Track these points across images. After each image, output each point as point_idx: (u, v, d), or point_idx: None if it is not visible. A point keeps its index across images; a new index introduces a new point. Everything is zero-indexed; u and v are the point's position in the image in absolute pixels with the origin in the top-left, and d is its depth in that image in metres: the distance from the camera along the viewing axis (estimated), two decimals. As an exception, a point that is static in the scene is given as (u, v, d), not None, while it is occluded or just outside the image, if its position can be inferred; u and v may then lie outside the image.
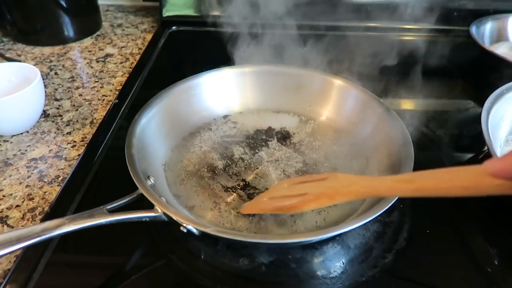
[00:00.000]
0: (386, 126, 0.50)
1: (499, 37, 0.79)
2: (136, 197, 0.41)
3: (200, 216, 0.45)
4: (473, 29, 0.75)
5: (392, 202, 0.39)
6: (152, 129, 0.49)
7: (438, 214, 0.47)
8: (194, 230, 0.38)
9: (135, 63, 0.76)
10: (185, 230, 0.39)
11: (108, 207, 0.38)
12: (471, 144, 0.59)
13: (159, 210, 0.38)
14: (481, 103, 0.68)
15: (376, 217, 0.38)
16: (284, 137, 0.56)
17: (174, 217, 0.38)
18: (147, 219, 0.39)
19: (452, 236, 0.45)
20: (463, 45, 0.78)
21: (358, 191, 0.35)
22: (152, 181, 0.44)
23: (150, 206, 0.39)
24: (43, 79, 0.70)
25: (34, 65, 0.75)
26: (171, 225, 0.39)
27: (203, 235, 0.38)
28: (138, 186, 0.39)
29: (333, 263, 0.41)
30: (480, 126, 0.50)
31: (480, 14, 0.79)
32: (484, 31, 0.77)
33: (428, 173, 0.29)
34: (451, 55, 0.79)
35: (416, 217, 0.46)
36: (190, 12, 0.89)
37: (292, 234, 0.42)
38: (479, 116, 0.51)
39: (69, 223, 0.35)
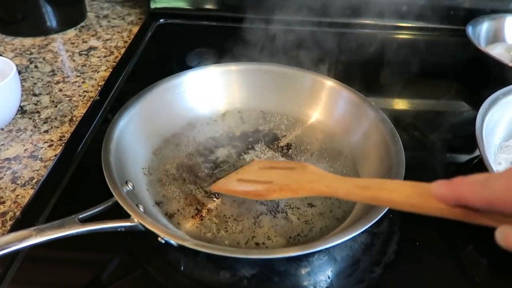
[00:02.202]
0: (377, 131, 0.48)
1: (495, 37, 0.77)
2: (113, 205, 0.38)
3: (180, 224, 0.43)
4: (469, 29, 0.73)
5: (381, 214, 0.37)
6: (132, 131, 0.47)
7: (428, 225, 0.45)
8: (173, 242, 0.36)
9: (119, 57, 0.73)
10: (163, 241, 0.37)
11: (81, 216, 0.36)
12: (464, 149, 0.58)
13: (136, 220, 0.36)
14: (475, 106, 0.66)
15: (365, 230, 0.36)
16: (271, 139, 0.54)
17: (151, 229, 0.35)
18: (123, 229, 0.37)
19: (442, 248, 0.43)
20: (459, 45, 0.76)
21: (319, 189, 0.36)
22: (130, 187, 0.42)
23: (127, 214, 0.37)
24: (22, 72, 0.68)
25: (14, 57, 0.72)
26: (149, 233, 0.37)
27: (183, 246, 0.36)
28: (114, 194, 0.37)
29: (318, 277, 0.39)
30: (474, 130, 0.48)
31: (477, 14, 0.77)
32: (481, 31, 0.75)
33: (386, 183, 0.29)
34: (446, 55, 0.78)
35: (406, 228, 0.44)
36: (179, 4, 0.86)
37: (275, 249, 0.40)
38: (473, 120, 0.49)
39: (36, 234, 0.33)
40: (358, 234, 0.36)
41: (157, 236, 0.36)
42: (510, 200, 0.20)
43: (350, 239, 0.36)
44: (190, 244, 0.34)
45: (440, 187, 0.23)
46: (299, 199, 0.46)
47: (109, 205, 0.38)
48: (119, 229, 0.36)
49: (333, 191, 0.34)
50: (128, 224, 0.36)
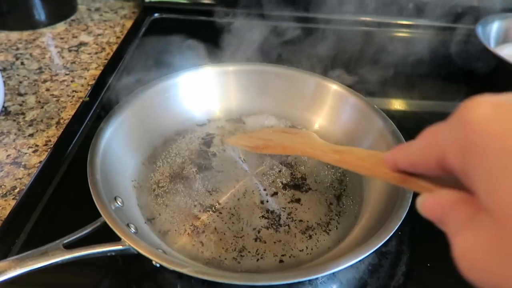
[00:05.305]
0: (385, 143, 0.45)
1: (506, 38, 0.74)
2: (101, 225, 0.35)
3: (175, 243, 0.39)
4: (479, 29, 0.69)
5: (392, 232, 0.34)
6: (120, 139, 0.43)
7: (439, 243, 0.42)
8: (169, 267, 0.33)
9: (111, 54, 0.69)
10: (158, 265, 0.34)
11: (66, 241, 0.33)
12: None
13: (127, 243, 0.33)
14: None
15: (375, 250, 0.33)
16: (271, 146, 0.51)
17: (144, 254, 0.32)
18: (113, 253, 0.33)
19: (455, 271, 0.40)
20: (468, 45, 0.73)
21: (304, 150, 0.40)
22: (120, 203, 0.38)
23: (117, 237, 0.33)
24: (7, 70, 0.64)
25: (-1, 52, 0.68)
26: (142, 255, 0.34)
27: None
28: (103, 216, 0.34)
29: (323, 302, 0.37)
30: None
31: (487, 12, 0.74)
32: (491, 31, 0.72)
33: (354, 149, 0.33)
34: (455, 56, 0.74)
35: (415, 247, 0.41)
36: (175, -3, 0.82)
37: (280, 274, 0.37)
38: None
39: (16, 266, 0.30)
40: (368, 255, 0.33)
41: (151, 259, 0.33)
42: (423, 159, 0.21)
43: (358, 261, 0.34)
44: (189, 271, 0.31)
45: (389, 153, 0.25)
46: (302, 210, 0.43)
47: (97, 226, 0.35)
48: (108, 254, 0.33)
49: (313, 152, 0.38)
50: (119, 247, 0.33)
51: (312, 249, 0.40)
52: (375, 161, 0.27)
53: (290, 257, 0.39)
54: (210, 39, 0.68)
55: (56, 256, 0.31)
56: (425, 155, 0.21)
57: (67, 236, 0.33)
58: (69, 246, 0.32)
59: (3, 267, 0.29)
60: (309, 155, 0.40)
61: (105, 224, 0.34)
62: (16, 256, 0.30)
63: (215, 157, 0.49)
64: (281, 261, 0.39)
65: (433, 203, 0.20)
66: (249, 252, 0.39)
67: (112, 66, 0.65)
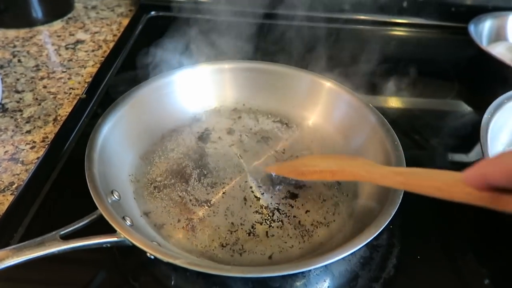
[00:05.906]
0: (378, 139, 0.45)
1: (498, 36, 0.75)
2: (97, 217, 0.36)
3: (170, 236, 0.40)
4: (471, 27, 0.70)
5: (382, 227, 0.35)
6: (118, 135, 0.44)
7: (429, 237, 0.43)
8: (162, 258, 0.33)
9: (108, 51, 0.69)
10: (152, 257, 0.34)
11: (62, 232, 0.33)
12: (467, 155, 0.56)
13: (122, 235, 0.34)
14: (476, 107, 0.65)
15: (366, 244, 0.34)
16: (265, 142, 0.52)
17: (139, 245, 0.33)
18: (109, 245, 0.34)
19: (445, 263, 0.41)
20: (460, 43, 0.74)
21: (358, 173, 0.38)
22: (116, 197, 0.39)
23: (113, 229, 0.34)
24: (4, 67, 0.64)
25: (-4, 50, 0.68)
26: (137, 248, 0.34)
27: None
28: (99, 208, 0.35)
29: (315, 294, 0.37)
30: (478, 137, 0.46)
31: (479, 11, 0.75)
32: (483, 30, 0.73)
33: (418, 170, 0.31)
34: (447, 54, 0.76)
35: (406, 240, 0.42)
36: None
37: (271, 266, 0.37)
38: (475, 124, 0.48)
39: (13, 255, 0.31)
40: (358, 249, 0.34)
41: (145, 251, 0.34)
42: None
43: (350, 255, 0.35)
44: (182, 262, 0.32)
45: (469, 171, 0.24)
46: (296, 206, 0.44)
47: (93, 218, 0.36)
48: (104, 245, 0.34)
49: (370, 176, 0.36)
50: (114, 239, 0.34)
51: (304, 244, 0.41)
52: (450, 181, 0.25)
53: (282, 251, 0.40)
54: (207, 37, 0.69)
55: (52, 247, 0.32)
56: None
57: (63, 228, 0.34)
58: (66, 237, 0.33)
59: (1, 256, 0.30)
60: (365, 179, 0.38)
61: (101, 217, 0.35)
62: (13, 246, 0.31)
63: (211, 153, 0.49)
64: (272, 255, 0.39)
65: None
66: (242, 246, 0.40)
67: (108, 63, 0.65)
